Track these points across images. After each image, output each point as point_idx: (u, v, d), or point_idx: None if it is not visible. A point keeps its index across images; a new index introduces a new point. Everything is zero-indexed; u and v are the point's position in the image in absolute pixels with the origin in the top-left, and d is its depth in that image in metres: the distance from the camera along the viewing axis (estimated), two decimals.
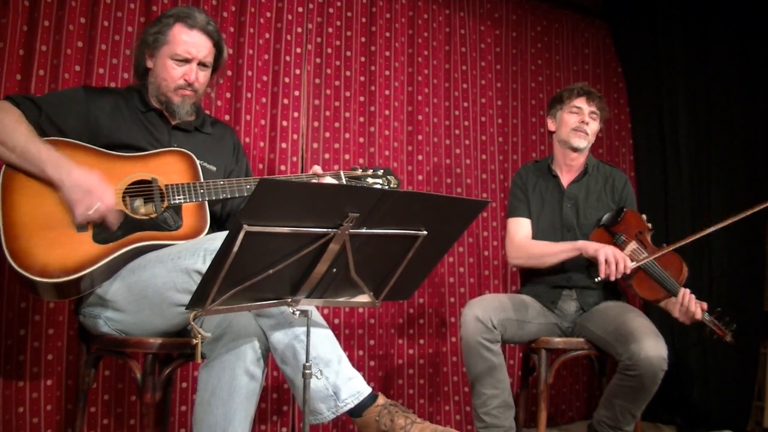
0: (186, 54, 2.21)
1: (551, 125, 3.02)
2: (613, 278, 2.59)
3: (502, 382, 2.59)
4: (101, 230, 1.96)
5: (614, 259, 2.58)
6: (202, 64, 2.26)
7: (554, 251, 2.79)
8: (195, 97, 2.28)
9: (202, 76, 2.27)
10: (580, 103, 2.93)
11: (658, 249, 2.71)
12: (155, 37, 2.22)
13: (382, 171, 2.40)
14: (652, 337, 2.42)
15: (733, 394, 3.67)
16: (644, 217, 2.82)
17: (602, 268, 2.59)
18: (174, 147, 2.22)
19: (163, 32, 2.22)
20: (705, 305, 2.59)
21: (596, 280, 2.64)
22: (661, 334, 2.49)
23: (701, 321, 2.59)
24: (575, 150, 2.93)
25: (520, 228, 2.95)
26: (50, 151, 1.94)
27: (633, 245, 2.71)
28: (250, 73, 3.16)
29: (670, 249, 2.68)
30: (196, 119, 2.37)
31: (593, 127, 2.93)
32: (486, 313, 2.56)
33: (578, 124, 2.90)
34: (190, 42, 2.22)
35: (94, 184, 1.93)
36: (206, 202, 2.14)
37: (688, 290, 2.59)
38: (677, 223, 3.91)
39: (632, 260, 2.64)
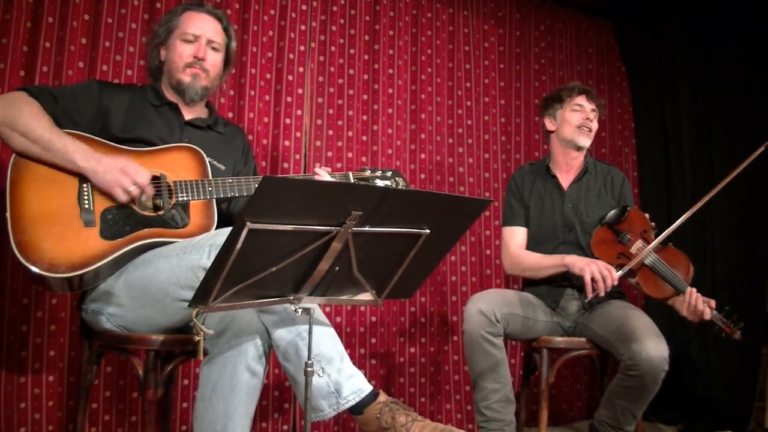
0: (195, 31, 2.28)
1: (550, 125, 3.00)
2: (602, 294, 2.60)
3: (504, 377, 2.59)
4: (108, 226, 1.97)
5: (600, 276, 2.58)
6: (211, 45, 2.31)
7: (544, 265, 2.82)
8: (206, 78, 2.31)
9: (212, 58, 2.32)
10: (581, 101, 2.94)
11: (664, 248, 2.72)
12: (167, 26, 2.31)
13: (391, 173, 2.40)
14: (654, 337, 2.42)
15: (734, 395, 3.66)
16: (647, 215, 2.82)
17: (589, 288, 2.59)
18: (185, 142, 2.23)
19: (173, 20, 2.31)
20: (713, 303, 2.60)
21: (586, 300, 2.67)
22: (663, 334, 2.49)
23: (710, 319, 2.59)
24: (579, 149, 2.94)
25: (515, 238, 2.96)
26: (75, 142, 1.98)
27: (639, 244, 2.71)
28: (253, 71, 3.17)
29: (664, 237, 2.68)
30: (209, 117, 2.40)
31: (595, 125, 2.94)
32: (489, 307, 2.56)
33: (582, 122, 2.91)
34: (198, 21, 2.30)
35: (124, 163, 1.98)
36: (214, 200, 2.14)
37: (694, 289, 2.60)
38: (681, 225, 3.91)
39: (638, 259, 2.65)
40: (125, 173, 1.96)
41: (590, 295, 2.59)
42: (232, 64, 2.48)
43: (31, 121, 1.95)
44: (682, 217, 2.70)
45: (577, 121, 2.91)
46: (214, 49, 2.32)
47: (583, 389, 4.08)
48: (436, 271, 3.62)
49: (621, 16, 4.41)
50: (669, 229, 2.68)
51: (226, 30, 2.38)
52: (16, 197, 1.91)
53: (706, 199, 2.73)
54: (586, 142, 2.92)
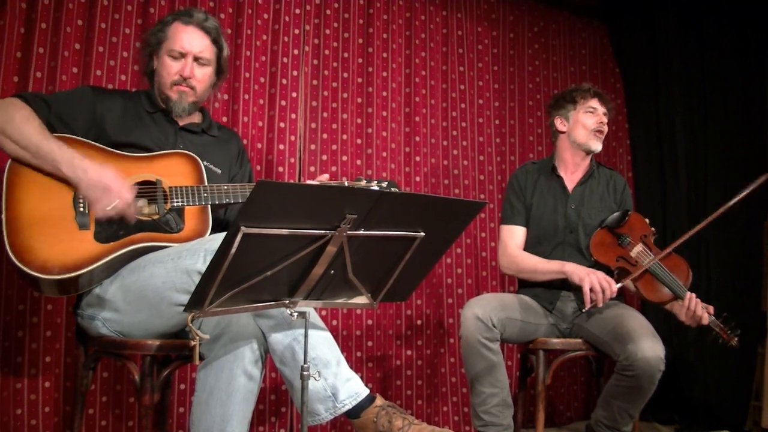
0: (180, 48, 2.25)
1: (562, 126, 2.98)
2: (600, 305, 2.61)
3: (501, 381, 2.59)
4: (103, 229, 1.97)
5: (599, 287, 2.59)
6: (199, 61, 2.28)
7: (542, 270, 2.81)
8: (193, 95, 2.29)
9: (200, 74, 2.29)
10: (595, 104, 2.93)
11: (662, 252, 2.73)
12: (157, 36, 2.29)
13: (386, 183, 2.39)
14: (650, 337, 2.43)
15: (731, 394, 3.67)
16: (647, 220, 2.83)
17: (587, 298, 2.60)
18: (180, 148, 2.23)
19: (163, 30, 2.29)
20: (712, 309, 2.61)
21: (583, 310, 2.67)
22: (659, 334, 2.49)
23: (708, 325, 2.61)
24: (589, 152, 2.94)
25: (513, 237, 2.94)
26: (63, 150, 1.96)
27: (639, 248, 2.72)
28: (247, 75, 3.17)
29: (671, 249, 2.70)
30: (203, 122, 2.40)
31: (606, 128, 2.94)
32: (486, 312, 2.56)
33: (597, 125, 2.90)
34: (185, 37, 2.26)
35: (110, 181, 1.95)
36: (209, 206, 2.14)
37: (694, 294, 2.61)
38: (675, 224, 3.92)
39: (638, 262, 2.67)
40: (108, 191, 1.93)
41: (588, 306, 2.60)
42: (226, 73, 2.44)
43: (21, 127, 1.95)
44: (688, 233, 2.72)
45: (591, 125, 2.89)
46: (201, 64, 2.29)
47: (580, 390, 4.09)
48: (432, 274, 3.63)
49: (615, 17, 4.42)
50: (673, 243, 2.70)
51: (215, 42, 2.33)
52: (12, 199, 1.92)
53: (705, 222, 2.74)
54: (598, 146, 2.91)
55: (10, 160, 1.97)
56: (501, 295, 2.81)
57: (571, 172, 2.98)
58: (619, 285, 2.63)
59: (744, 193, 2.71)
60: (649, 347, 2.38)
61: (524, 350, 2.85)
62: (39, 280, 1.86)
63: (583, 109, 2.93)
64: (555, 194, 2.94)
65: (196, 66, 2.28)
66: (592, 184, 2.96)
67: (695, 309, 2.58)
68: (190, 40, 2.26)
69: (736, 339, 2.64)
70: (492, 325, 2.55)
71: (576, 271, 2.67)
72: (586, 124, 2.90)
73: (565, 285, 2.79)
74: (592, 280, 2.60)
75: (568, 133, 2.96)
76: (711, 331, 2.64)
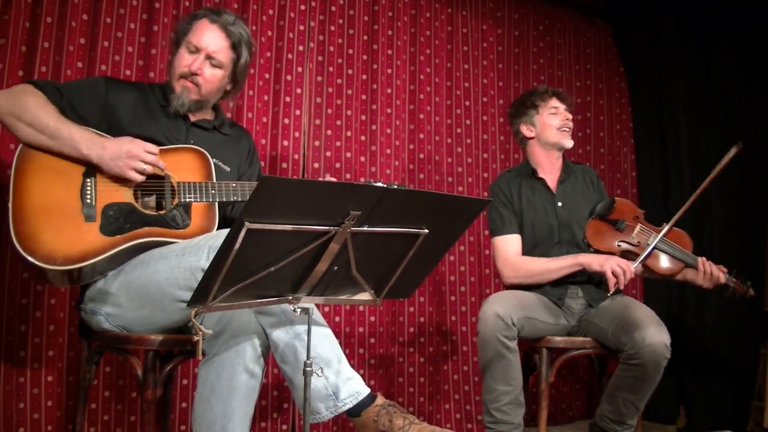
0: (197, 43, 2.23)
1: (528, 131, 3.00)
2: (622, 287, 2.66)
3: (516, 380, 2.59)
4: (109, 222, 1.97)
5: (621, 270, 2.63)
6: (211, 61, 2.25)
7: (555, 267, 2.79)
8: (197, 92, 2.25)
9: (209, 73, 2.26)
10: (555, 103, 2.98)
11: (662, 228, 2.81)
12: (184, 27, 2.28)
13: (396, 185, 2.37)
14: (655, 325, 2.46)
15: (733, 395, 3.67)
16: (630, 202, 2.94)
17: (611, 282, 2.63)
18: (191, 144, 2.22)
19: (190, 23, 2.28)
20: (724, 268, 2.75)
21: (608, 294, 2.71)
22: None
23: (725, 283, 2.74)
24: (561, 149, 2.98)
25: (511, 246, 2.91)
26: (81, 130, 1.98)
27: (639, 228, 2.81)
28: (252, 71, 3.16)
29: (672, 225, 2.82)
30: (215, 119, 2.39)
31: (571, 123, 3.00)
32: (506, 311, 2.55)
33: (563, 122, 2.95)
34: (205, 33, 2.24)
35: (129, 144, 1.99)
36: (216, 203, 2.14)
37: (704, 257, 2.74)
38: (678, 222, 3.91)
39: (641, 241, 2.78)
40: (132, 156, 1.97)
41: (612, 290, 2.64)
42: (240, 84, 2.41)
43: (37, 110, 1.96)
44: (681, 210, 2.84)
45: (558, 124, 2.94)
46: (213, 65, 2.26)
47: (583, 388, 4.09)
48: (435, 271, 3.62)
49: (619, 16, 4.41)
50: (676, 215, 2.83)
51: (234, 47, 2.29)
52: (20, 186, 1.92)
53: (703, 186, 2.89)
54: (570, 143, 2.97)
55: (20, 146, 1.97)
56: (519, 293, 2.78)
57: (550, 172, 3.02)
58: (635, 265, 2.69)
59: (722, 165, 2.92)
60: (655, 334, 2.42)
61: (528, 348, 2.85)
62: (43, 270, 1.86)
63: (546, 112, 2.97)
64: (541, 196, 2.96)
65: (207, 65, 2.25)
66: (573, 180, 3.02)
67: (711, 270, 2.71)
68: (208, 37, 2.24)
69: (751, 290, 2.78)
70: (512, 323, 2.55)
71: (593, 261, 2.71)
72: (552, 124, 2.95)
73: (572, 281, 2.80)
74: (612, 265, 2.65)
75: (537, 137, 3.00)
76: (727, 289, 2.77)
